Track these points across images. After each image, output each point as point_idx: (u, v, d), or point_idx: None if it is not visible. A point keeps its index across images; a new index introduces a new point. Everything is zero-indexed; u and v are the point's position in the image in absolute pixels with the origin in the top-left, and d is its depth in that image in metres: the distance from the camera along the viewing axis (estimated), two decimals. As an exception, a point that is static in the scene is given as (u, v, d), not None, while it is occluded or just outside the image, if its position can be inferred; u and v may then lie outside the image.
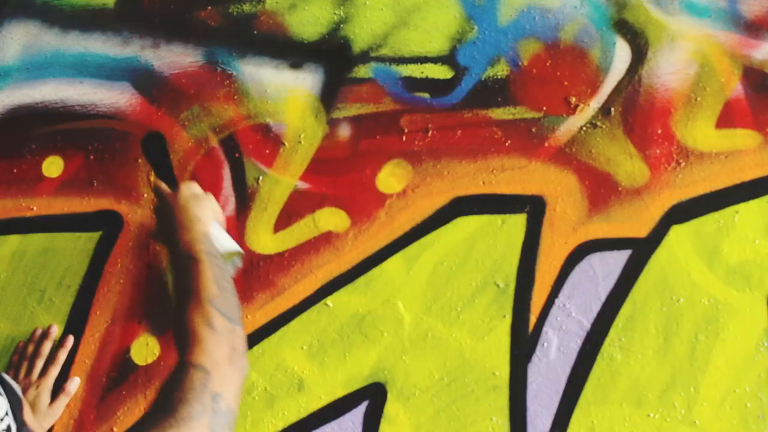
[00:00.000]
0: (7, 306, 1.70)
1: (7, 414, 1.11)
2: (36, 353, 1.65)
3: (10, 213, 1.70)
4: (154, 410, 1.22)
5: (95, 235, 1.69)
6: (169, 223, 1.51)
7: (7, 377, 1.17)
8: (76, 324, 1.69)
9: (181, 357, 1.29)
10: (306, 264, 1.66)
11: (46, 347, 1.65)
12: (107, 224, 1.69)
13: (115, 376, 1.67)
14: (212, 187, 1.67)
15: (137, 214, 1.69)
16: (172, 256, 1.50)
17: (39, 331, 1.67)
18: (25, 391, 1.60)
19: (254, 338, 1.67)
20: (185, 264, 1.41)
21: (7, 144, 1.70)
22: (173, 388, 1.23)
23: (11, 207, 1.70)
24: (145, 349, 1.68)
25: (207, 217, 1.52)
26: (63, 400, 1.63)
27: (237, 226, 1.67)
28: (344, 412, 1.64)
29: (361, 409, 1.65)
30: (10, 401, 1.13)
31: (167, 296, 1.68)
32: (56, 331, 1.67)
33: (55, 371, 1.64)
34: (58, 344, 1.66)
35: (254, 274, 1.67)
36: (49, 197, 1.70)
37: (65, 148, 1.70)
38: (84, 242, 1.69)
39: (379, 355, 1.64)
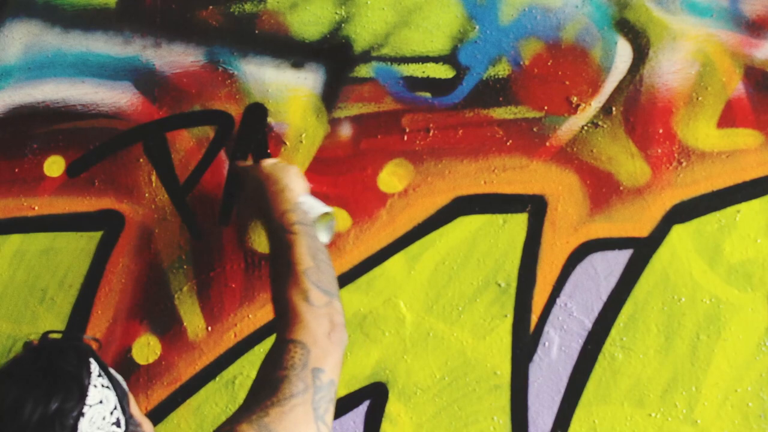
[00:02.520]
0: (8, 305, 1.70)
1: (116, 408, 1.12)
2: None
3: (12, 212, 1.70)
4: (256, 390, 1.25)
5: (97, 235, 1.69)
6: (260, 195, 1.51)
7: (113, 371, 1.18)
8: (77, 323, 1.69)
9: (281, 334, 1.31)
10: (307, 263, 1.66)
11: None
12: (109, 224, 1.69)
13: (117, 376, 1.67)
14: (214, 186, 1.68)
15: (138, 213, 1.69)
16: (266, 228, 1.50)
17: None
18: None
19: (255, 338, 1.67)
20: (280, 237, 1.42)
21: (8, 143, 1.70)
22: (275, 366, 1.25)
23: (13, 206, 1.70)
24: (146, 349, 1.68)
25: (297, 185, 1.52)
26: None
27: (238, 226, 1.67)
28: (346, 412, 1.65)
29: (362, 409, 1.65)
30: (117, 395, 1.14)
31: (167, 295, 1.68)
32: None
33: None
34: None
35: (255, 274, 1.67)
36: (51, 197, 1.70)
37: (67, 148, 1.70)
38: (85, 242, 1.70)
39: (381, 355, 1.64)
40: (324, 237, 1.54)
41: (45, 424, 1.03)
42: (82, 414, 1.06)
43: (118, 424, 1.11)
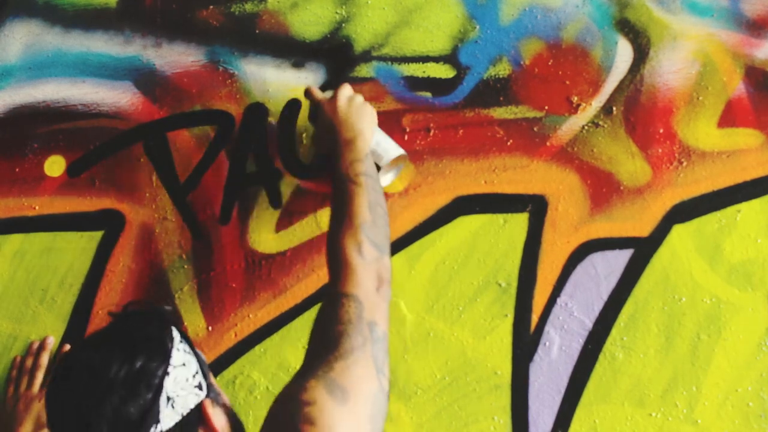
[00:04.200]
0: (9, 305, 1.70)
1: (197, 372, 1.14)
2: (35, 366, 1.64)
3: (12, 212, 1.70)
4: (316, 345, 1.27)
5: (97, 235, 1.69)
6: (332, 138, 1.52)
7: (196, 348, 1.19)
8: (77, 323, 1.69)
9: (333, 287, 1.33)
10: (308, 263, 1.66)
11: (45, 358, 1.65)
12: (109, 223, 1.69)
13: (117, 376, 1.67)
14: (214, 186, 1.68)
15: (139, 213, 1.69)
16: (332, 171, 1.50)
17: (36, 344, 1.67)
18: (29, 405, 1.59)
19: (256, 337, 1.67)
20: (344, 185, 1.44)
21: (9, 143, 1.70)
22: (332, 321, 1.27)
23: (13, 206, 1.70)
24: (147, 349, 1.68)
25: (368, 129, 1.53)
26: None
27: (239, 226, 1.67)
28: (346, 412, 1.64)
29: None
30: (198, 361, 1.16)
31: (168, 295, 1.68)
32: (53, 342, 1.67)
33: None
34: (56, 355, 1.66)
35: (256, 274, 1.67)
36: (51, 196, 1.70)
37: (67, 148, 1.70)
38: (86, 241, 1.70)
39: (381, 355, 1.64)
40: (389, 178, 1.59)
41: (132, 381, 1.05)
42: (167, 373, 1.08)
43: (200, 387, 1.13)
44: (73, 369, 1.09)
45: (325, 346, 1.24)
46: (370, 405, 1.18)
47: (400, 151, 1.56)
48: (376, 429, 1.18)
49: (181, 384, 1.10)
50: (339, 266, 1.35)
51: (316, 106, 1.59)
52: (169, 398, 1.08)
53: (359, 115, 1.53)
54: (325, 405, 1.14)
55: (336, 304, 1.30)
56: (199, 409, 1.11)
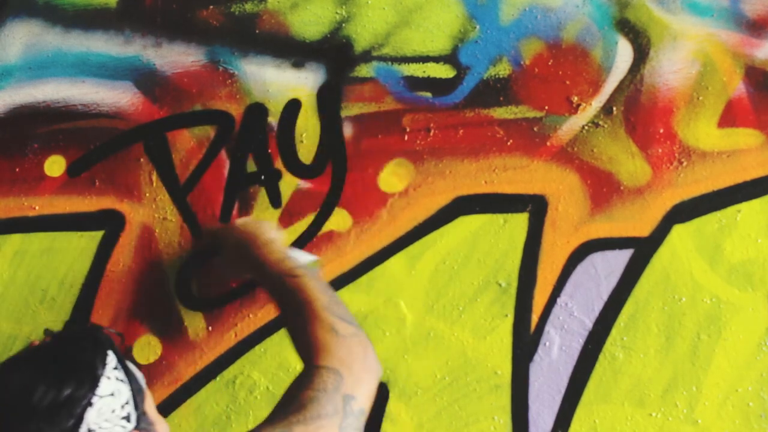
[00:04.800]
0: (9, 305, 1.70)
1: (127, 402, 1.11)
2: None
3: (12, 212, 1.70)
4: (283, 405, 1.21)
5: (97, 235, 1.69)
6: (245, 251, 1.48)
7: (132, 366, 1.16)
8: (78, 323, 1.69)
9: (308, 363, 1.26)
10: (308, 263, 1.66)
11: None
12: (109, 223, 1.69)
13: (117, 376, 1.67)
14: (214, 186, 1.68)
15: (139, 213, 1.69)
16: (263, 282, 1.47)
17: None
18: None
19: (256, 337, 1.67)
20: (285, 284, 1.38)
21: (9, 143, 1.70)
22: (303, 386, 1.21)
23: (13, 206, 1.70)
24: (146, 349, 1.68)
25: (277, 237, 1.52)
26: None
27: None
28: (346, 412, 1.64)
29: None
30: (132, 389, 1.12)
31: (169, 296, 1.68)
32: None
33: None
34: None
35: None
36: (51, 196, 1.70)
37: (67, 148, 1.70)
38: (86, 241, 1.70)
39: (381, 355, 1.63)
40: None
41: (53, 410, 1.03)
42: (90, 404, 1.06)
43: (128, 419, 1.10)
44: None
45: (293, 407, 1.18)
46: None
47: (313, 257, 1.56)
48: None
49: (106, 415, 1.07)
50: (312, 347, 1.28)
51: (214, 236, 1.59)
52: (90, 430, 1.05)
53: (262, 225, 1.53)
54: None
55: (312, 373, 1.24)
56: None
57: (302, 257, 1.52)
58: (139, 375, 1.17)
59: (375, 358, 1.30)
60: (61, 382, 1.05)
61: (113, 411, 1.08)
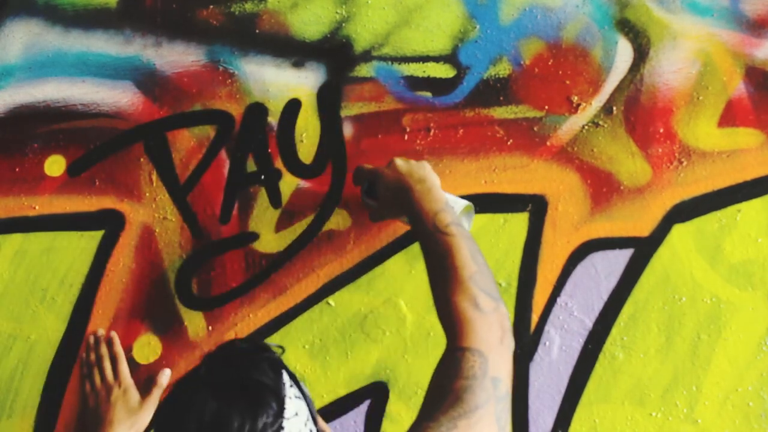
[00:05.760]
0: (9, 305, 1.70)
1: (308, 419, 1.08)
2: (99, 357, 1.65)
3: (12, 212, 1.70)
4: (437, 398, 1.19)
5: (97, 234, 1.69)
6: (405, 196, 1.44)
7: (300, 380, 1.13)
8: (78, 323, 1.69)
9: (453, 343, 1.26)
10: (308, 263, 1.66)
11: (104, 349, 1.66)
12: (109, 223, 1.69)
13: (117, 375, 1.67)
14: (214, 186, 1.68)
15: (139, 213, 1.69)
16: (416, 230, 1.43)
17: (92, 338, 1.67)
18: (109, 394, 1.61)
19: (256, 337, 1.67)
20: (437, 240, 1.36)
21: (9, 143, 1.70)
22: (455, 375, 1.20)
23: (13, 206, 1.70)
24: (147, 349, 1.68)
25: (437, 180, 1.48)
26: (156, 393, 1.63)
27: (239, 226, 1.67)
28: (346, 411, 1.65)
29: (363, 408, 1.65)
30: (308, 405, 1.10)
31: (169, 296, 1.68)
32: (104, 332, 1.68)
33: (125, 367, 1.65)
34: (108, 343, 1.67)
35: (256, 274, 1.67)
36: (51, 196, 1.70)
37: (67, 147, 1.70)
38: (86, 241, 1.69)
39: (381, 354, 1.64)
40: (466, 227, 1.51)
41: None
42: (282, 428, 1.03)
43: None
44: (187, 415, 1.03)
45: (449, 400, 1.16)
46: None
47: (467, 202, 1.53)
48: None
49: None
50: (456, 324, 1.27)
51: (372, 176, 1.54)
52: None
53: (423, 168, 1.49)
54: None
55: (458, 357, 1.22)
56: None
57: (458, 204, 1.49)
58: (305, 388, 1.15)
59: (511, 335, 1.29)
60: (255, 411, 1.02)
61: (300, 431, 1.06)
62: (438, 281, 1.34)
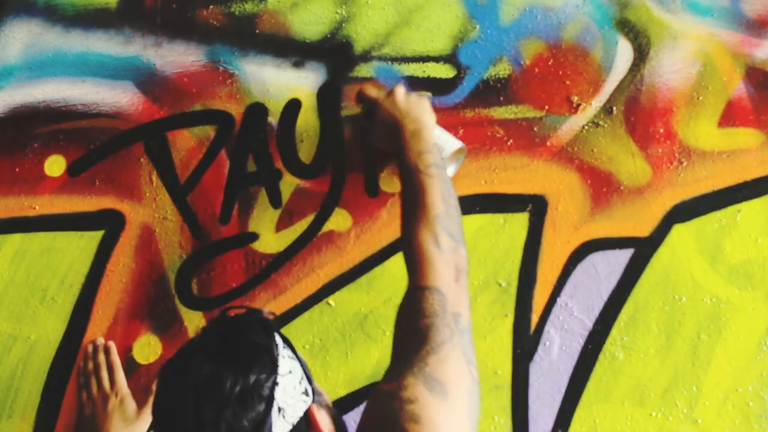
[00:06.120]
0: (9, 305, 1.70)
1: (302, 378, 1.12)
2: (96, 366, 1.65)
3: (13, 212, 1.70)
4: (404, 340, 1.25)
5: (97, 234, 1.69)
6: (395, 132, 1.50)
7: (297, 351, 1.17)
8: (78, 323, 1.69)
9: (413, 282, 1.32)
10: (308, 263, 1.66)
11: (102, 357, 1.66)
12: (109, 223, 1.69)
13: (117, 375, 1.67)
14: (214, 186, 1.68)
15: (139, 213, 1.69)
16: (399, 166, 1.49)
17: (90, 347, 1.67)
18: (106, 403, 1.61)
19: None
20: (414, 178, 1.42)
21: (9, 143, 1.70)
22: (417, 314, 1.26)
23: (13, 206, 1.70)
24: (147, 348, 1.68)
25: (431, 121, 1.52)
26: None
27: (239, 226, 1.67)
28: (346, 411, 1.64)
29: (363, 408, 1.65)
30: (302, 365, 1.14)
31: (169, 296, 1.68)
32: (102, 341, 1.67)
33: (122, 376, 1.64)
34: (105, 352, 1.66)
35: (256, 274, 1.67)
36: (52, 196, 1.70)
37: (67, 148, 1.69)
38: (86, 241, 1.69)
39: (382, 354, 1.64)
40: (451, 170, 1.56)
41: (245, 395, 1.04)
42: (276, 383, 1.07)
43: (306, 393, 1.11)
44: (184, 381, 1.06)
45: (415, 340, 1.22)
46: (467, 398, 1.20)
47: (460, 144, 1.56)
48: (473, 421, 1.19)
49: (290, 393, 1.08)
50: (416, 260, 1.34)
51: (372, 104, 1.57)
52: (280, 409, 1.06)
53: (420, 107, 1.53)
54: (427, 402, 1.14)
55: (418, 297, 1.28)
56: (306, 415, 1.10)
57: (450, 144, 1.53)
58: (299, 353, 1.18)
59: (466, 275, 1.34)
60: (247, 370, 1.05)
61: (294, 388, 1.09)
62: (407, 217, 1.41)
